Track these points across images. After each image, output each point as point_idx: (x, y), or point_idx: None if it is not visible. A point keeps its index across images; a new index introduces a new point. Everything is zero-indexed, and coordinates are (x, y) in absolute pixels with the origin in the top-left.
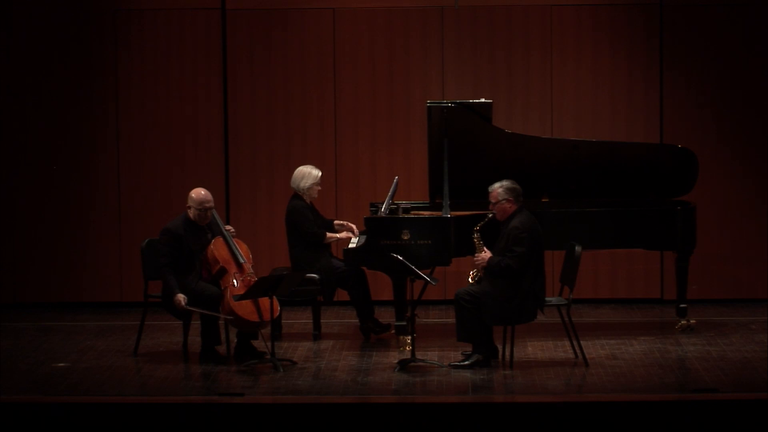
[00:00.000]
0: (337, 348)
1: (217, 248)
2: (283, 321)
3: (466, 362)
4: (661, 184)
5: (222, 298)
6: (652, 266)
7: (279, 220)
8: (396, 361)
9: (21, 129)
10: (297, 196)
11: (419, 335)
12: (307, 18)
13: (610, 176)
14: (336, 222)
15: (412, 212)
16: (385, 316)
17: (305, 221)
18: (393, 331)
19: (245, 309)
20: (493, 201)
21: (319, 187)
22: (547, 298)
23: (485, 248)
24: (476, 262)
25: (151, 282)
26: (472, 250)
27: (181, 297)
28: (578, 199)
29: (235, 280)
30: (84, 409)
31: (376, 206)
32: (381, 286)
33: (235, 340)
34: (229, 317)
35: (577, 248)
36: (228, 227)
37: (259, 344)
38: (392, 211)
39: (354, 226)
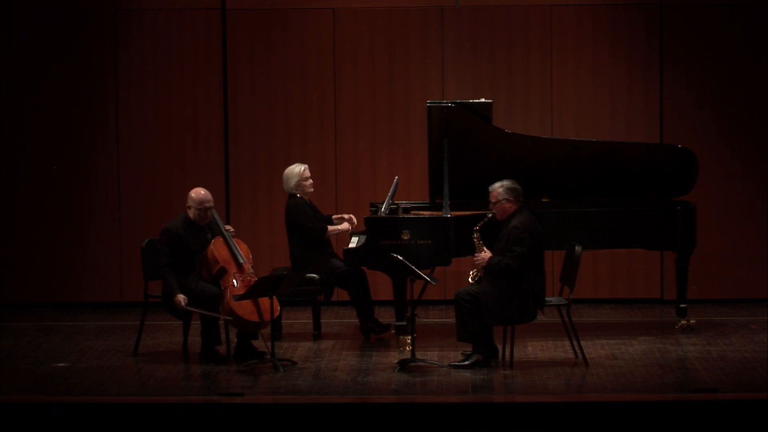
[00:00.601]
0: (337, 348)
1: (216, 248)
2: (283, 321)
3: (466, 362)
4: (661, 184)
5: (222, 298)
6: (652, 266)
7: (279, 220)
8: (396, 361)
9: (21, 129)
10: (291, 197)
11: (419, 335)
12: (307, 18)
13: (610, 176)
14: (334, 216)
15: (412, 212)
16: (385, 316)
17: (304, 217)
18: (393, 331)
19: (245, 309)
20: (493, 200)
21: (309, 181)
22: (547, 298)
23: (485, 248)
24: (476, 262)
25: (151, 282)
26: (472, 250)
27: (181, 297)
28: (578, 199)
29: (235, 280)
30: (84, 409)
31: (376, 206)
32: (381, 286)
33: (235, 340)
34: (228, 318)
35: (577, 248)
36: (227, 227)
37: (259, 344)
38: (392, 211)
39: (353, 217)
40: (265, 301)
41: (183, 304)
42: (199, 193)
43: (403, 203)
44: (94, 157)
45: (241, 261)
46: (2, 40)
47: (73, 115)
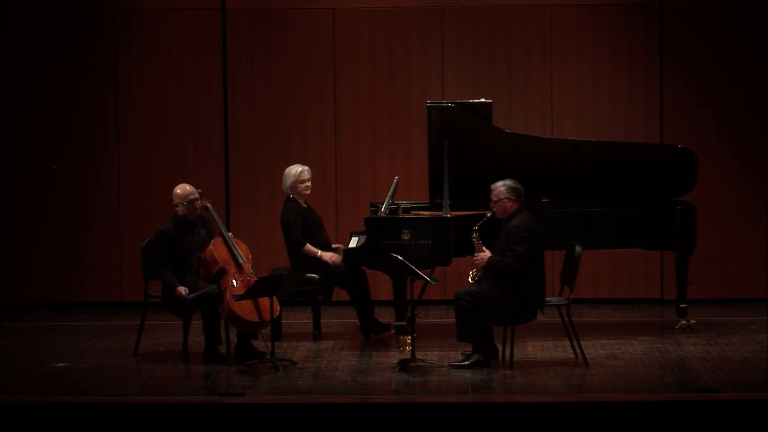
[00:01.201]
0: (337, 348)
1: (216, 249)
2: (283, 321)
3: (466, 362)
4: (661, 184)
5: (222, 298)
6: (652, 266)
7: (279, 220)
8: (396, 361)
9: (21, 129)
10: (290, 198)
11: (419, 335)
12: (307, 18)
13: (610, 176)
14: (335, 245)
15: (412, 212)
16: (385, 316)
17: (288, 227)
18: (393, 331)
19: (245, 309)
20: (494, 199)
21: (305, 184)
22: (547, 298)
23: (484, 248)
24: (476, 262)
25: (151, 282)
26: (472, 250)
27: (182, 289)
28: (578, 199)
29: (234, 281)
30: (84, 409)
31: (376, 206)
32: (381, 286)
33: (235, 340)
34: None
35: (577, 248)
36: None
37: (259, 344)
38: (392, 211)
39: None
40: (265, 301)
41: (184, 294)
42: (184, 188)
43: (403, 203)
44: (94, 157)
45: (241, 261)
46: (2, 40)
47: (73, 115)
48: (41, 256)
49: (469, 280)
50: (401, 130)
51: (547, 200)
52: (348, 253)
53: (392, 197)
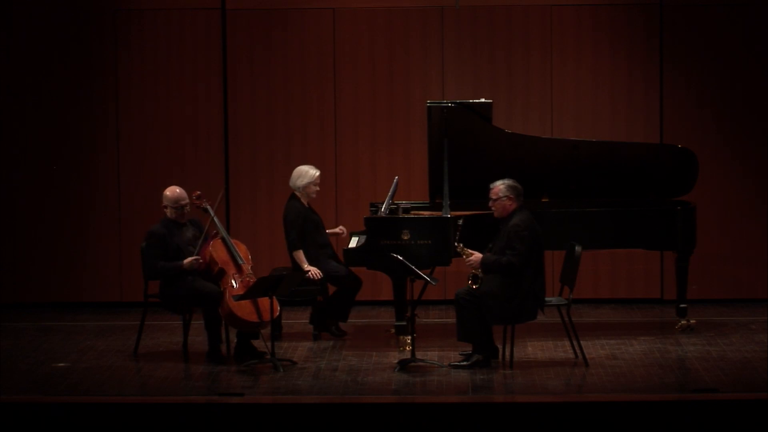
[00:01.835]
0: (337, 348)
1: (215, 250)
2: (283, 321)
3: (466, 362)
4: (661, 184)
5: (222, 298)
6: (652, 266)
7: (279, 220)
8: (396, 361)
9: (21, 129)
10: (294, 196)
11: (419, 335)
12: (307, 18)
13: (610, 176)
14: (339, 228)
15: (412, 212)
16: (385, 316)
17: (288, 227)
18: (393, 331)
19: (244, 310)
20: (493, 197)
21: (317, 188)
22: (547, 298)
23: (470, 251)
24: (469, 265)
25: (151, 282)
26: (472, 250)
27: (189, 259)
28: (578, 199)
29: (233, 281)
30: (84, 409)
31: (376, 206)
32: (381, 286)
33: (235, 340)
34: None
35: (577, 248)
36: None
37: (259, 344)
38: (392, 211)
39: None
40: (264, 302)
41: (194, 262)
42: (174, 191)
43: (403, 203)
44: (94, 157)
45: (240, 262)
46: (2, 40)
47: (73, 115)
48: (41, 256)
49: (470, 284)
50: (401, 130)
51: (547, 200)
52: (348, 253)
53: (392, 197)
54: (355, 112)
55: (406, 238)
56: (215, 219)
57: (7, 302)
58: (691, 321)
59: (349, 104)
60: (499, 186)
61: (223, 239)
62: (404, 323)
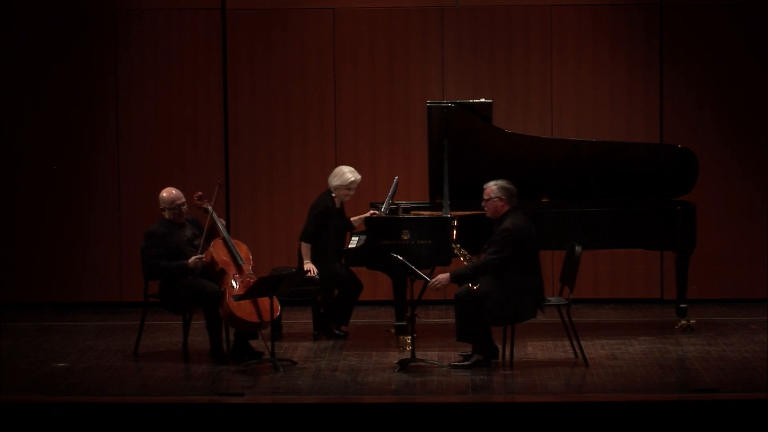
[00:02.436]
0: (337, 348)
1: (216, 250)
2: (283, 321)
3: (466, 362)
4: (661, 184)
5: (222, 298)
6: (652, 266)
7: (279, 220)
8: (396, 361)
9: (21, 129)
10: (327, 192)
11: (419, 335)
12: (307, 18)
13: (610, 176)
14: (353, 218)
15: (412, 212)
16: (385, 316)
17: (312, 220)
18: (393, 331)
19: (244, 310)
20: (485, 198)
21: (349, 192)
22: (547, 298)
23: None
24: (434, 286)
25: (151, 282)
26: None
27: (193, 259)
28: (578, 199)
29: (234, 281)
30: (84, 409)
31: (376, 206)
32: (381, 286)
33: (233, 340)
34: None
35: (577, 248)
36: (221, 220)
37: (258, 344)
38: (392, 211)
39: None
40: (264, 302)
41: (198, 261)
42: (170, 192)
43: (403, 203)
44: (94, 157)
45: (241, 262)
46: (2, 40)
47: (73, 115)
48: (41, 256)
49: (469, 285)
50: (401, 130)
51: (547, 200)
52: (348, 253)
53: (392, 197)
54: (355, 112)
55: (406, 238)
56: (216, 219)
57: (7, 302)
58: (691, 321)
59: (349, 104)
60: (492, 186)
61: (223, 239)
62: (404, 323)
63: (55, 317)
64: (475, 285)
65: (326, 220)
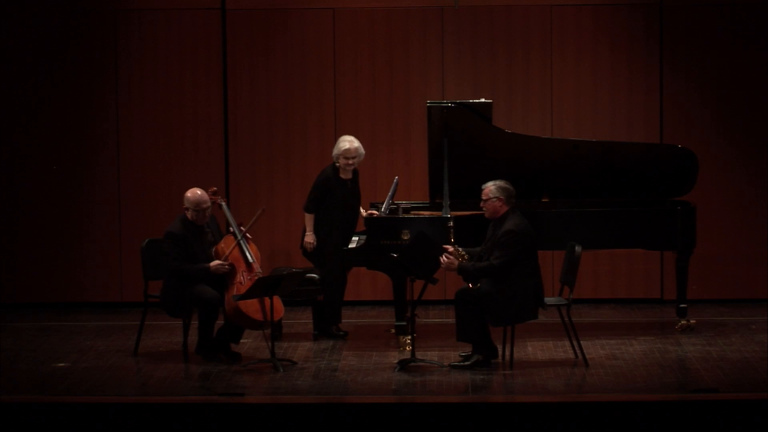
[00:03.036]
0: (337, 348)
1: (227, 246)
2: (283, 321)
3: (466, 363)
4: (661, 184)
5: (219, 305)
6: (652, 266)
7: (279, 220)
8: (396, 361)
9: (21, 129)
10: (332, 164)
11: (419, 335)
12: (307, 18)
13: (610, 176)
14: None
15: (412, 212)
16: (385, 316)
17: (311, 189)
18: (393, 331)
19: (251, 307)
20: (484, 198)
21: (348, 161)
22: (547, 298)
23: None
24: (447, 266)
25: (151, 282)
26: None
27: (215, 263)
28: (578, 199)
29: (243, 278)
30: (84, 409)
31: (376, 206)
32: (381, 286)
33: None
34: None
35: (577, 248)
36: (241, 227)
37: (259, 344)
38: (392, 211)
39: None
40: (273, 301)
41: (220, 267)
42: (195, 193)
43: (403, 203)
44: (94, 157)
45: (251, 260)
46: (2, 40)
47: (73, 115)
48: (41, 256)
49: (468, 285)
50: (401, 130)
51: (547, 200)
52: (348, 253)
53: (392, 197)
54: (355, 112)
55: (406, 238)
56: (229, 215)
57: (7, 302)
58: (691, 321)
59: (349, 104)
60: (490, 187)
61: (235, 236)
62: (404, 323)
63: (55, 317)
64: (475, 285)
65: (326, 190)
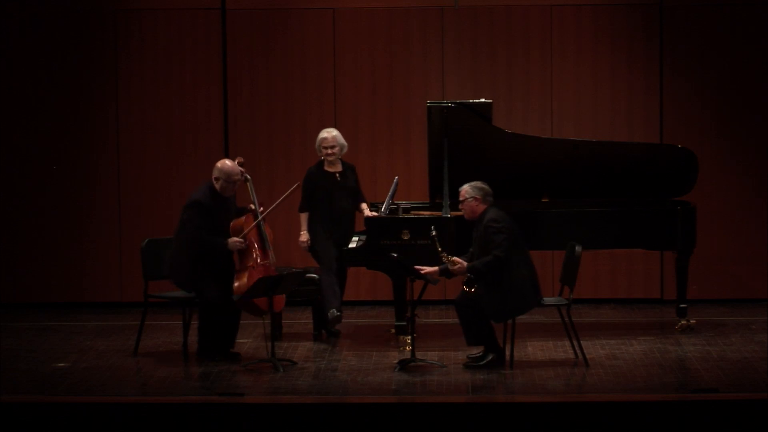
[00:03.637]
0: (337, 348)
1: (247, 224)
2: (283, 321)
3: (481, 362)
4: (661, 184)
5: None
6: (652, 266)
7: (279, 220)
8: (396, 361)
9: (21, 129)
10: (319, 162)
11: (419, 335)
12: (307, 18)
13: (610, 176)
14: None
15: (412, 212)
16: (385, 316)
17: (303, 187)
18: (393, 331)
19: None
20: (461, 199)
21: (327, 150)
22: (547, 298)
23: (454, 258)
24: (455, 271)
25: (151, 282)
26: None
27: (234, 239)
28: (578, 199)
29: (255, 263)
30: (84, 409)
31: (376, 206)
32: (381, 286)
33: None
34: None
35: (577, 248)
36: (261, 208)
37: (257, 344)
38: (392, 211)
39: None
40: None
41: (238, 243)
42: (225, 164)
43: (403, 203)
44: (94, 157)
45: (267, 247)
46: (2, 40)
47: (73, 115)
48: (41, 256)
49: (466, 290)
50: (401, 130)
51: (547, 200)
52: (348, 253)
53: (392, 197)
54: (355, 112)
55: (406, 238)
56: (253, 194)
57: (7, 302)
58: (691, 321)
59: (349, 104)
60: (465, 188)
61: (256, 217)
62: (404, 323)
63: (55, 317)
64: (472, 288)
65: (312, 186)
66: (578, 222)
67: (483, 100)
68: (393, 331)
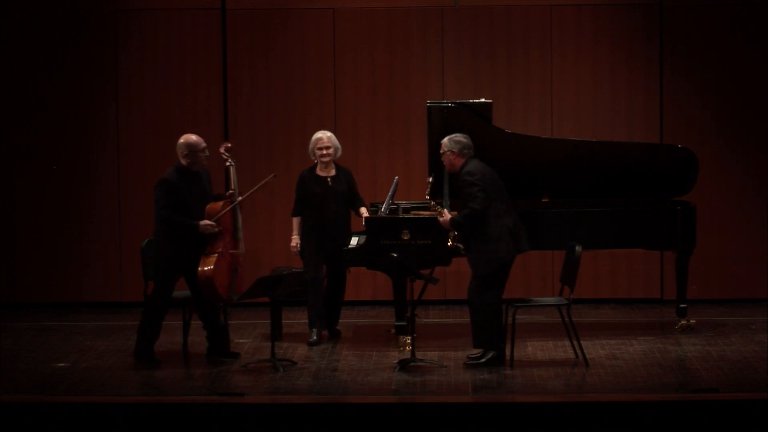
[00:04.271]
0: (337, 348)
1: (223, 208)
2: (283, 321)
3: (482, 359)
4: (661, 184)
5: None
6: (652, 266)
7: (279, 220)
8: (396, 361)
9: (21, 129)
10: (313, 165)
11: (419, 335)
12: (307, 18)
13: (610, 176)
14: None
15: (412, 212)
16: (385, 316)
17: (295, 192)
18: (393, 331)
19: (222, 280)
20: (441, 151)
21: (322, 152)
22: (547, 298)
23: (445, 211)
24: (441, 222)
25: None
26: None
27: (205, 222)
28: (578, 199)
29: (224, 250)
30: (84, 409)
31: (376, 206)
32: (381, 286)
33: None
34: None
35: (577, 248)
36: (232, 193)
37: (260, 345)
38: (392, 211)
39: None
40: (236, 282)
41: (209, 227)
42: (189, 138)
43: (403, 203)
44: (94, 157)
45: (239, 237)
46: (2, 41)
47: (73, 115)
48: (41, 256)
49: (449, 243)
50: (401, 130)
51: (547, 200)
52: (348, 253)
53: (392, 197)
54: (355, 112)
55: (406, 238)
56: (234, 179)
57: (7, 302)
58: (691, 321)
59: (349, 104)
60: (444, 140)
61: (234, 207)
62: (404, 323)
63: (55, 317)
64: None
65: (304, 190)
66: (578, 222)
67: (483, 100)
68: (393, 331)
